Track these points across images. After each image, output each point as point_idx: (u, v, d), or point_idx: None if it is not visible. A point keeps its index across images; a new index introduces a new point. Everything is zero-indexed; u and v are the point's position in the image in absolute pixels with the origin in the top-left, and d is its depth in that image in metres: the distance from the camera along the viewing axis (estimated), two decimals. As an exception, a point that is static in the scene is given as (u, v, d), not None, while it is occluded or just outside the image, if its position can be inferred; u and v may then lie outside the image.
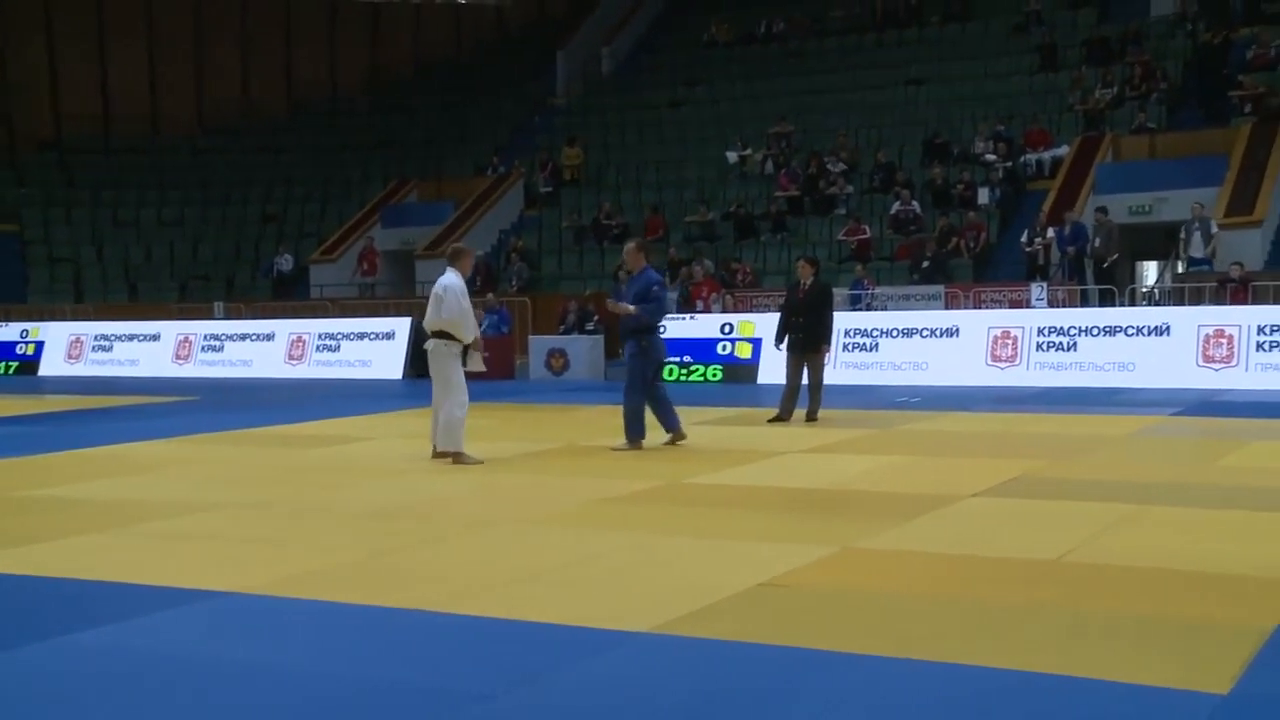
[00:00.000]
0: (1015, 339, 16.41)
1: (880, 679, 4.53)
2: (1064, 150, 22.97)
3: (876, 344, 17.09)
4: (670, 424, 10.72)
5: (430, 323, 10.04)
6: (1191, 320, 15.74)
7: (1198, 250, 19.26)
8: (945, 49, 28.48)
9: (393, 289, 26.71)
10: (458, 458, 9.81)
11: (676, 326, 18.62)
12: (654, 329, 10.76)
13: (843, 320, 16.00)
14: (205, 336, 21.96)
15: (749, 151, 26.30)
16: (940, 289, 19.78)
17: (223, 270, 29.25)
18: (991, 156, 23.57)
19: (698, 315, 19.21)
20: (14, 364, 23.10)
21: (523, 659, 4.84)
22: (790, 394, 12.45)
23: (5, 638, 5.16)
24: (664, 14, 35.72)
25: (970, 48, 28.28)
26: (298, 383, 19.65)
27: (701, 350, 18.21)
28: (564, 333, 20.40)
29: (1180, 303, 17.75)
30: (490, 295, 21.06)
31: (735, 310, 19.63)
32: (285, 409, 15.22)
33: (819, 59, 30.06)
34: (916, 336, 16.98)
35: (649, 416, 10.50)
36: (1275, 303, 16.49)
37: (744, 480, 9.05)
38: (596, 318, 20.65)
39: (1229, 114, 22.76)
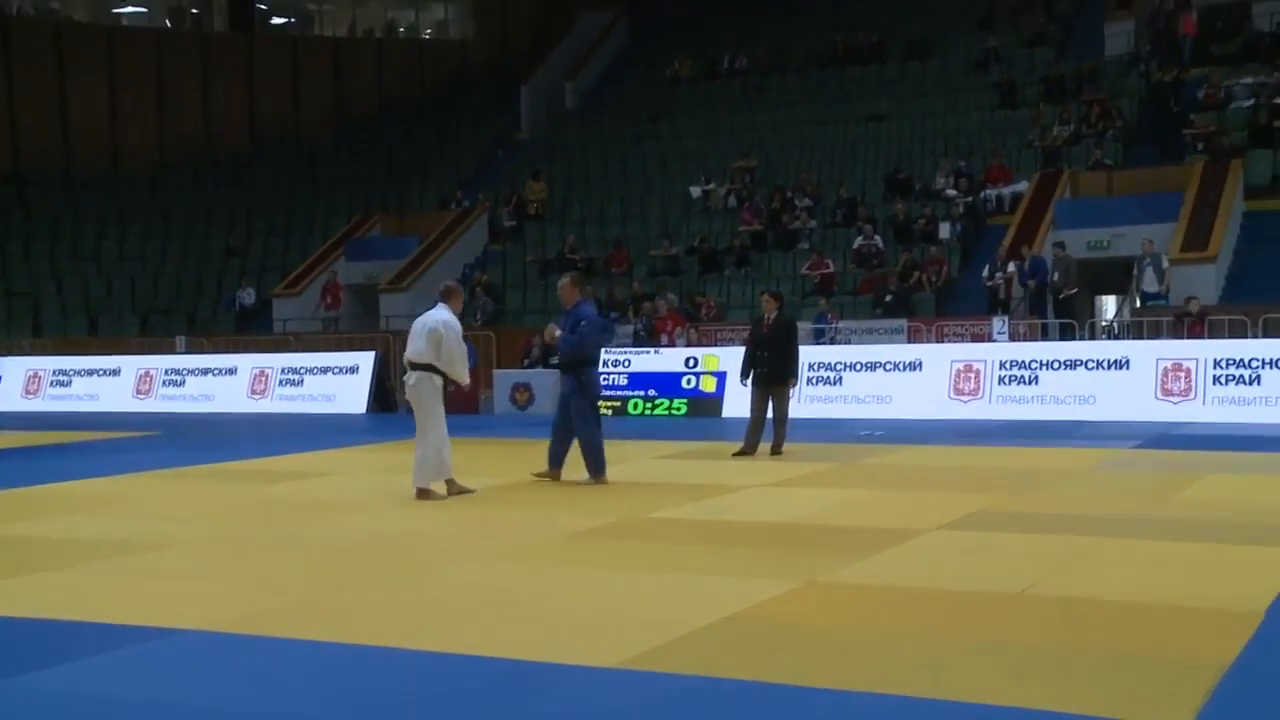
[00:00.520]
0: (977, 372, 16.54)
1: (844, 713, 4.52)
2: (1023, 186, 23.26)
3: (840, 377, 17.18)
4: (556, 459, 10.64)
5: (418, 356, 9.75)
6: (1150, 354, 15.93)
7: (1151, 285, 19.52)
8: (906, 86, 28.83)
9: (356, 323, 26.59)
10: (427, 494, 9.67)
11: (641, 360, 18.66)
12: (591, 362, 10.74)
13: (807, 354, 16.07)
14: (166, 371, 21.76)
15: (712, 186, 26.46)
16: (903, 323, 19.93)
17: (184, 304, 29.03)
18: (952, 192, 23.83)
19: (662, 349, 19.24)
20: (-30, 399, 22.76)
21: (484, 695, 4.80)
22: (755, 428, 12.48)
23: (-43, 679, 5.07)
24: (627, 49, 35.95)
25: (931, 84, 28.64)
26: (260, 417, 19.50)
27: (666, 384, 18.23)
28: (528, 367, 20.36)
29: (1139, 336, 17.97)
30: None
31: (699, 344, 19.68)
32: (248, 444, 15.09)
33: (781, 94, 30.33)
34: (880, 370, 17.08)
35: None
36: (1231, 337, 16.72)
37: (708, 515, 9.04)
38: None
39: (1182, 152, 23.15)
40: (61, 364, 22.78)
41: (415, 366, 9.78)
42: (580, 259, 25.32)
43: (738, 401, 17.18)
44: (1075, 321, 18.90)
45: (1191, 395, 15.37)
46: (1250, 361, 15.27)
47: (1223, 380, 15.31)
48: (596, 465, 10.54)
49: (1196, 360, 15.51)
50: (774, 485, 10.46)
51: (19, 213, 32.24)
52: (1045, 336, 18.49)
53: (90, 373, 22.34)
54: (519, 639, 5.55)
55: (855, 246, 22.91)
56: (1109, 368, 15.95)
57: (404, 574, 7.11)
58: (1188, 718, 4.36)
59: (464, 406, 17.14)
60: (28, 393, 22.55)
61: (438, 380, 9.74)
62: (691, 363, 18.26)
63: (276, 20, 39.83)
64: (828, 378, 17.16)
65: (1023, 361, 16.43)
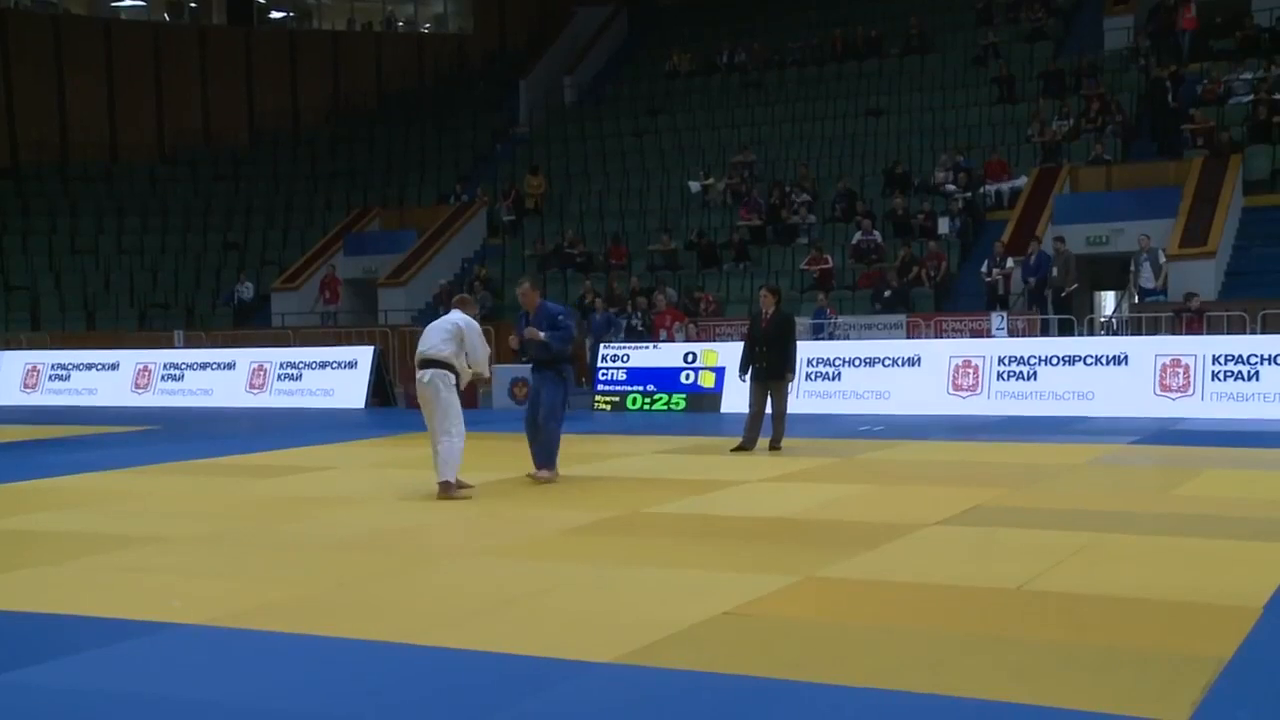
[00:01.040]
0: (976, 368, 16.54)
1: (843, 709, 4.53)
2: (1022, 181, 23.24)
3: (839, 373, 17.17)
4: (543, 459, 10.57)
5: (435, 351, 9.61)
6: (1149, 350, 15.92)
7: (1148, 281, 19.51)
8: (905, 80, 28.78)
9: (355, 318, 26.57)
10: (450, 489, 9.50)
11: (640, 355, 18.65)
12: (571, 358, 10.75)
13: (805, 349, 16.07)
14: (165, 365, 21.74)
15: (711, 181, 26.44)
16: (902, 318, 19.91)
17: (182, 298, 28.99)
18: (951, 187, 23.81)
19: (661, 344, 19.24)
20: (-32, 393, 22.76)
21: (483, 691, 4.80)
22: (754, 423, 12.47)
23: (-45, 674, 5.07)
24: (625, 44, 35.90)
25: (929, 79, 28.59)
26: (259, 412, 19.49)
27: (665, 379, 18.22)
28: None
29: (1137, 332, 17.96)
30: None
31: (698, 339, 19.67)
32: (246, 439, 15.08)
33: (780, 89, 30.29)
34: (879, 365, 17.07)
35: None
36: (1229, 332, 16.72)
37: (706, 509, 9.05)
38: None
39: (1181, 147, 23.13)
40: (60, 358, 22.76)
41: (431, 363, 9.62)
42: (579, 254, 25.30)
43: (736, 397, 17.18)
44: (1074, 317, 18.89)
45: (1190, 391, 15.38)
46: (1249, 357, 15.27)
47: (1221, 376, 15.31)
48: (552, 460, 10.50)
49: (1195, 356, 15.50)
50: (772, 480, 10.46)
51: (16, 207, 32.18)
52: (1044, 332, 18.48)
53: (88, 367, 22.32)
54: (517, 634, 5.55)
55: (854, 242, 22.90)
56: (1107, 363, 15.95)
57: (402, 569, 7.11)
58: (1186, 712, 4.36)
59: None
60: (26, 387, 22.54)
61: (453, 377, 9.69)
62: (690, 358, 18.25)
63: (275, 14, 39.77)
64: (826, 373, 17.15)
65: (1021, 357, 16.42)
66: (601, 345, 19.31)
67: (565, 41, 35.30)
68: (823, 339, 18.87)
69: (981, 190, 23.86)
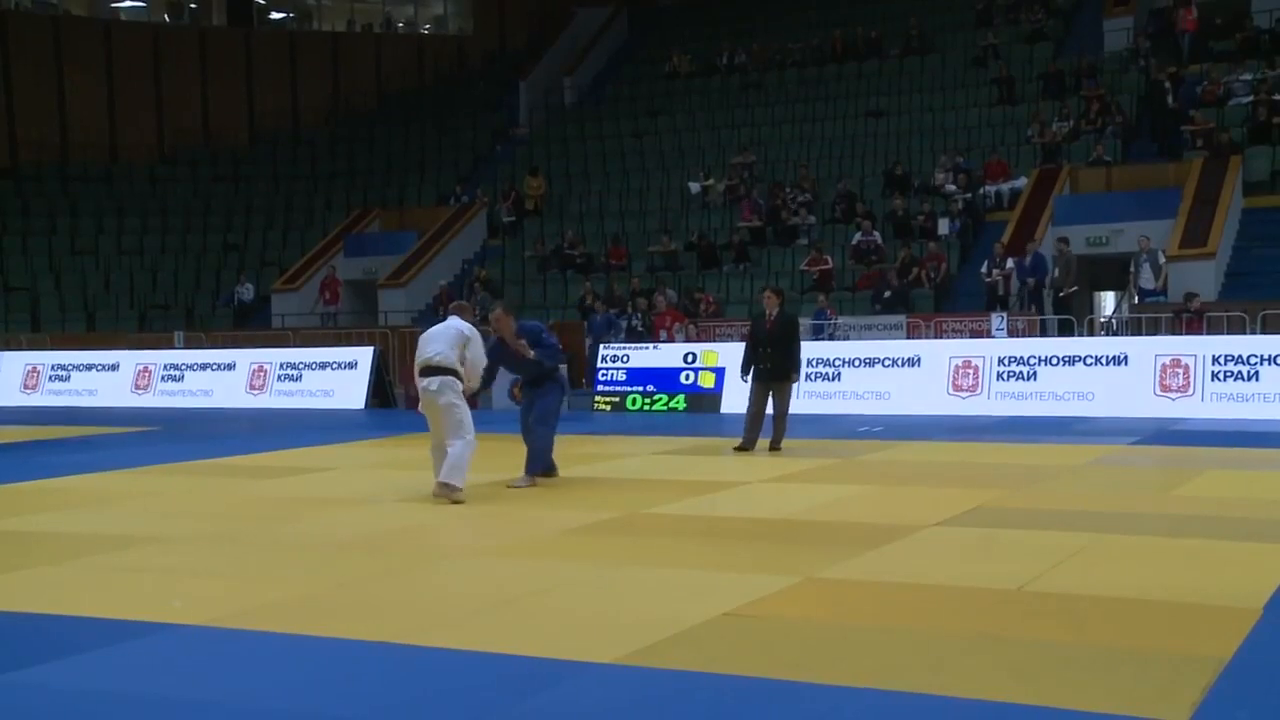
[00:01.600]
0: (976, 369, 16.54)
1: (843, 709, 4.53)
2: (1022, 182, 23.24)
3: (839, 373, 17.17)
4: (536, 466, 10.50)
5: (443, 359, 9.46)
6: (1149, 350, 15.93)
7: (1148, 282, 19.52)
8: (905, 81, 28.79)
9: (355, 318, 26.57)
10: (451, 491, 9.35)
11: (640, 356, 18.66)
12: (558, 372, 10.81)
13: (806, 350, 16.00)
14: (165, 366, 21.75)
15: (711, 182, 26.44)
16: (902, 319, 19.91)
17: (182, 299, 28.99)
18: (951, 188, 23.82)
19: (661, 345, 19.24)
20: (-32, 394, 22.76)
21: (483, 691, 4.80)
22: (754, 423, 12.46)
23: (-45, 674, 5.07)
24: (625, 45, 35.91)
25: (929, 80, 28.60)
26: (259, 413, 19.49)
27: (665, 379, 18.23)
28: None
29: (1137, 333, 17.96)
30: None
31: (698, 340, 19.68)
32: (246, 439, 15.09)
33: (780, 90, 30.29)
34: (879, 366, 17.08)
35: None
36: (1229, 333, 16.72)
37: (706, 510, 9.05)
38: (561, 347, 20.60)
39: (1181, 148, 23.14)
40: (60, 359, 22.76)
41: (438, 370, 9.49)
42: (579, 255, 25.31)
43: (737, 397, 17.17)
44: (1074, 318, 18.90)
45: (1190, 391, 15.38)
46: (1249, 358, 15.27)
47: (1221, 376, 15.32)
48: (546, 466, 10.47)
49: (1195, 356, 15.51)
50: (772, 481, 10.47)
51: (16, 207, 32.19)
52: (1044, 333, 18.49)
53: (89, 368, 22.33)
54: (517, 635, 5.55)
55: (854, 242, 22.90)
56: (1107, 364, 15.95)
57: (402, 570, 7.11)
58: (1186, 713, 4.36)
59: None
60: (26, 387, 22.54)
61: (460, 384, 9.64)
62: (690, 358, 18.26)
63: (275, 15, 39.78)
64: (826, 374, 17.15)
65: (1021, 358, 16.43)
66: (601, 346, 19.32)
67: (565, 42, 35.31)
68: (823, 339, 18.87)
69: (981, 191, 23.86)
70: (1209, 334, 16.81)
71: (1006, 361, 16.44)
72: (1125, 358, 15.90)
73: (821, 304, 20.27)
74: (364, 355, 20.42)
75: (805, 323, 18.86)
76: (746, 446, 12.31)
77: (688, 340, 19.73)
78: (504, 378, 11.04)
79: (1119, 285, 22.41)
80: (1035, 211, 21.94)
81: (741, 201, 25.26)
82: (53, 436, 15.91)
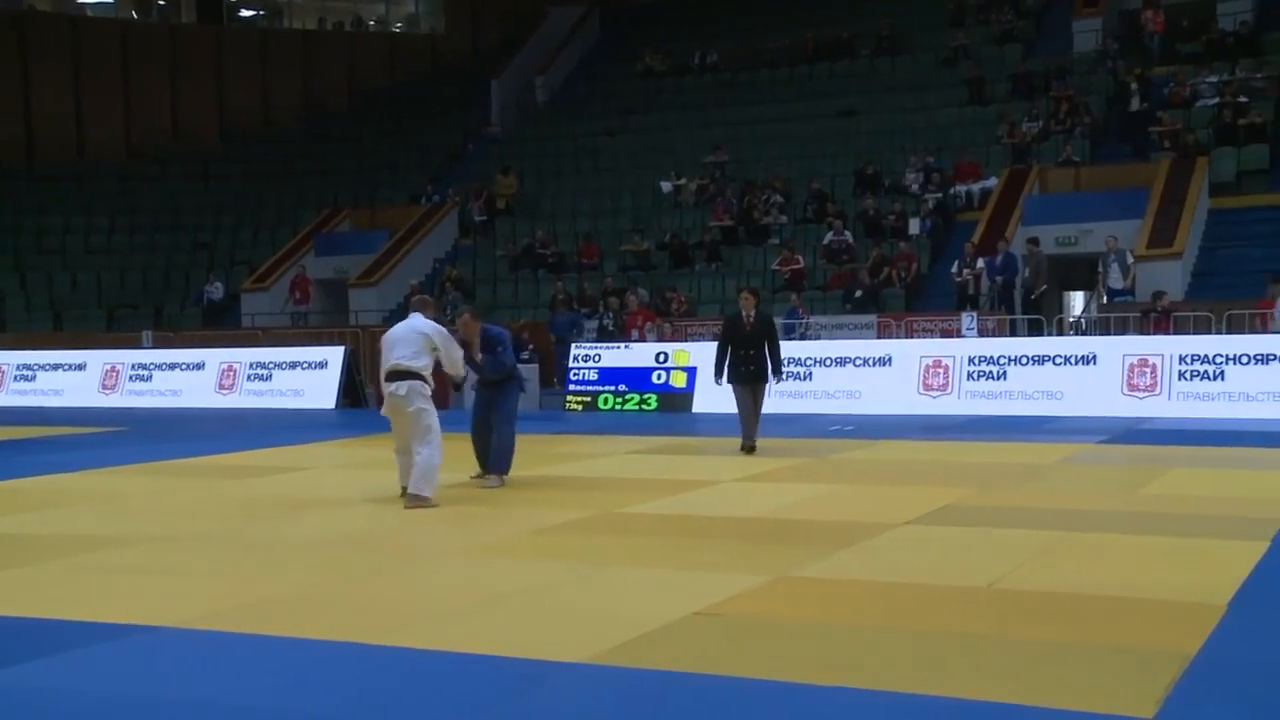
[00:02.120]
0: (946, 368, 16.64)
1: (814, 708, 4.55)
2: (993, 182, 23.38)
3: (810, 373, 17.23)
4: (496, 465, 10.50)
5: (409, 362, 9.35)
6: (1117, 350, 16.06)
7: (1116, 282, 19.67)
8: (877, 81, 28.91)
9: (326, 318, 26.44)
10: (423, 502, 9.21)
11: (611, 355, 18.66)
12: (517, 374, 10.84)
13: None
14: (133, 366, 21.58)
15: (683, 181, 26.47)
16: (873, 318, 20.00)
17: (151, 299, 28.74)
18: (917, 188, 23.93)
19: (633, 344, 19.25)
20: (-67, 394, 22.52)
21: (456, 691, 4.80)
22: (751, 423, 12.38)
23: (-77, 677, 5.02)
24: (598, 44, 35.90)
25: (901, 80, 28.73)
26: (229, 413, 19.38)
27: (636, 379, 18.24)
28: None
29: (1106, 332, 18.11)
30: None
31: (670, 339, 19.70)
32: (216, 439, 14.99)
33: (752, 90, 30.36)
34: (850, 365, 17.15)
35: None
36: (1196, 332, 16.88)
37: (678, 509, 9.06)
38: (531, 347, 20.62)
39: (1149, 149, 23.34)
40: (26, 358, 22.54)
41: (403, 375, 9.38)
42: (550, 254, 25.28)
43: (708, 397, 17.21)
44: (1043, 318, 19.03)
45: (1157, 390, 15.52)
46: (1214, 357, 15.43)
47: (1188, 376, 15.47)
48: (506, 465, 10.44)
49: (1162, 356, 15.65)
50: (745, 480, 10.50)
51: (-17, 206, 31.89)
52: (1014, 332, 18.61)
53: (55, 367, 22.13)
54: (490, 635, 5.55)
55: (825, 242, 22.98)
56: (1076, 363, 16.08)
57: (376, 571, 7.10)
58: (1152, 709, 4.41)
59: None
60: (-8, 388, 22.31)
61: (428, 388, 9.56)
62: (662, 358, 18.28)
63: (245, 13, 39.53)
64: (798, 373, 17.19)
65: (991, 357, 16.54)
66: (573, 345, 19.31)
67: (537, 41, 35.27)
68: (794, 339, 18.92)
69: (952, 191, 23.99)
70: (1176, 334, 16.97)
71: (977, 361, 16.55)
72: (1094, 357, 16.03)
73: (793, 303, 20.33)
74: (334, 355, 20.34)
75: (777, 322, 18.91)
76: (751, 448, 12.23)
77: (659, 340, 19.75)
78: (474, 377, 11.01)
79: (1088, 285, 22.58)
80: (1005, 211, 22.07)
81: (714, 201, 25.30)
82: (19, 437, 15.76)
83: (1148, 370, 15.60)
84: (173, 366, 21.32)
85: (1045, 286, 19.92)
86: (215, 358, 21.20)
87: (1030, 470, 10.83)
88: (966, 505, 8.92)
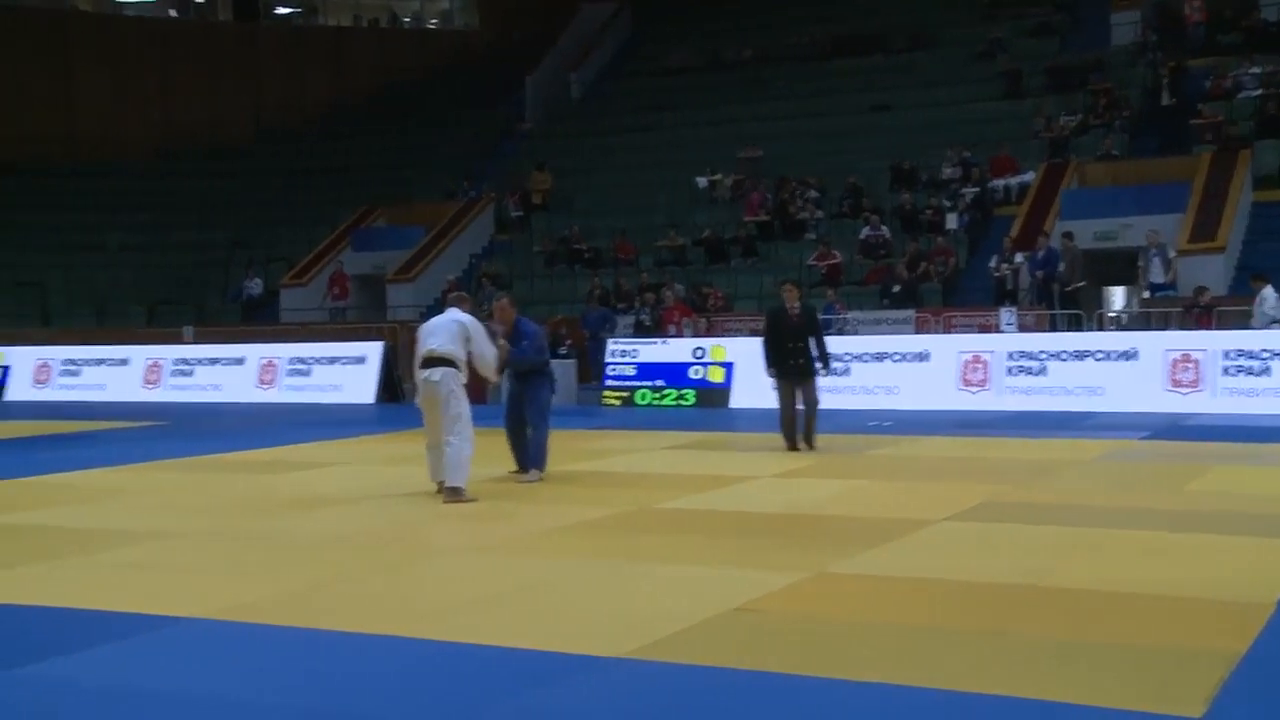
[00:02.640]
0: (985, 363, 16.51)
1: (852, 704, 4.53)
2: (1030, 176, 23.18)
3: (848, 368, 17.13)
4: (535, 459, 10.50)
5: (445, 350, 9.39)
6: (1159, 345, 15.89)
7: (1157, 276, 19.47)
8: (911, 75, 28.74)
9: (363, 313, 26.58)
10: (459, 495, 9.21)
11: (648, 351, 18.65)
12: (548, 368, 10.80)
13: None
14: (175, 361, 21.77)
15: (718, 176, 26.41)
16: (911, 313, 19.88)
17: (191, 294, 29.03)
18: (956, 182, 23.76)
19: (669, 340, 19.23)
20: (-22, 389, 22.84)
21: (489, 685, 4.80)
22: (791, 422, 12.13)
23: (-34, 669, 5.08)
24: (630, 40, 35.88)
25: (935, 74, 28.55)
26: (268, 407, 19.51)
27: (673, 374, 18.22)
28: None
29: (1147, 327, 17.91)
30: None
31: (707, 335, 19.67)
32: (255, 434, 15.10)
33: (786, 84, 30.25)
34: (888, 361, 17.05)
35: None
36: (1239, 327, 16.67)
37: (714, 505, 9.04)
38: (569, 342, 20.65)
39: (1190, 142, 23.07)
40: (70, 353, 22.80)
41: (440, 361, 9.39)
42: (586, 250, 25.30)
43: (746, 392, 17.19)
44: (1083, 313, 18.86)
45: (1200, 386, 15.34)
46: (1260, 352, 15.23)
47: (1232, 371, 15.28)
48: (542, 460, 10.43)
49: (1206, 351, 15.47)
50: (782, 476, 10.46)
51: (25, 202, 32.25)
52: (1053, 327, 18.45)
53: (99, 362, 22.36)
54: (526, 629, 5.55)
55: (862, 237, 22.86)
56: (1117, 359, 15.92)
57: (410, 564, 7.12)
58: (1199, 708, 4.35)
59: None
60: (37, 382, 22.58)
61: (463, 376, 9.59)
62: (699, 353, 18.25)
63: (280, 10, 39.79)
64: (835, 368, 17.05)
65: (1031, 352, 16.40)
66: (610, 341, 19.32)
67: (570, 38, 35.29)
68: (831, 334, 18.82)
69: (989, 185, 23.81)
70: (1219, 329, 16.76)
71: (1016, 356, 16.41)
72: (1135, 352, 15.86)
73: (830, 298, 20.24)
74: (372, 350, 20.44)
75: (815, 317, 18.83)
76: (794, 446, 12.03)
77: (696, 335, 19.72)
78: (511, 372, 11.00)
79: (1128, 280, 22.36)
80: (1043, 206, 21.89)
81: (749, 196, 25.23)
82: (63, 431, 15.94)
83: (1190, 366, 15.42)
84: (213, 362, 21.51)
85: (1083, 283, 19.73)
86: (255, 353, 21.36)
87: (1070, 466, 10.73)
88: (1005, 501, 8.84)
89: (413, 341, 10.16)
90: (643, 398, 18.28)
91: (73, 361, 22.57)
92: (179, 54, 35.72)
